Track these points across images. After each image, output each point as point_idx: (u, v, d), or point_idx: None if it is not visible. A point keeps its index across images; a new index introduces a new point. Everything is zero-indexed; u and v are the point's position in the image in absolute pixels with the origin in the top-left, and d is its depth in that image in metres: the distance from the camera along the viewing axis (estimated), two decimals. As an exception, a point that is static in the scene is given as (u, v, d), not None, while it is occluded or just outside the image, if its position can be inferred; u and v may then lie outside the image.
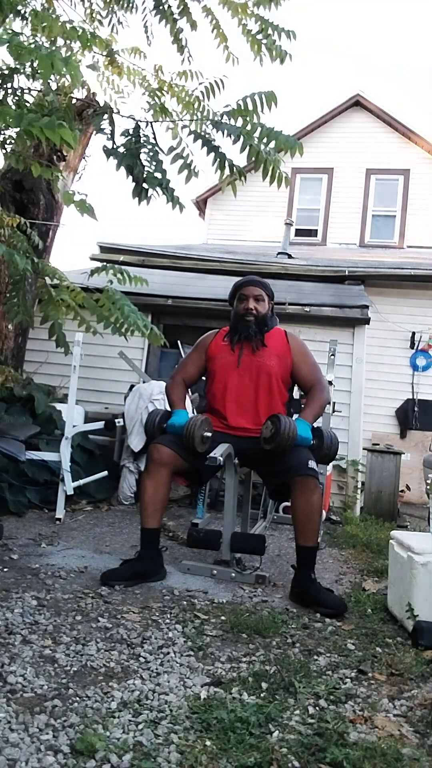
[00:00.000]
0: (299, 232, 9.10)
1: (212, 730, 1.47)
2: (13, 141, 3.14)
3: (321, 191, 9.40)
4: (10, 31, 2.24)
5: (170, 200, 2.92)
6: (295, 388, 3.03)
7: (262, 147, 2.76)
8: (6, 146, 3.23)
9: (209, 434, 2.67)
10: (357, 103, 9.36)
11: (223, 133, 2.82)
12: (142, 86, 3.57)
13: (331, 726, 1.52)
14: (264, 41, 3.32)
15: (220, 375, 2.87)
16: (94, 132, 2.95)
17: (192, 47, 3.69)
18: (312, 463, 2.59)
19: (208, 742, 1.41)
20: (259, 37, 3.34)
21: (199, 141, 2.86)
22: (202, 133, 2.86)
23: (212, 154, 2.86)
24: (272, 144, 2.76)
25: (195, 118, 3.00)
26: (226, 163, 2.87)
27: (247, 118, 2.75)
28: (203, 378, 3.04)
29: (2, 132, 3.02)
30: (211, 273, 6.43)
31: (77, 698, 1.59)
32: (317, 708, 1.64)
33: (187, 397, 3.02)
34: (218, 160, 2.86)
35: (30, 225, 3.87)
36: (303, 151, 2.80)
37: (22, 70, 2.74)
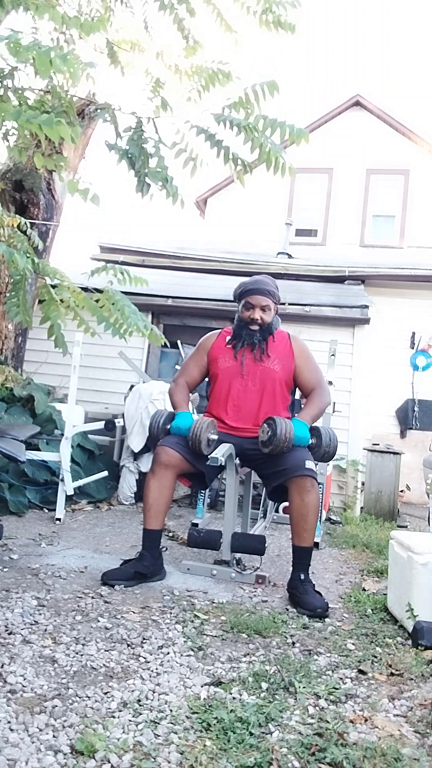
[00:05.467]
0: (299, 232, 9.10)
1: (212, 730, 1.47)
2: (15, 133, 3.14)
3: (321, 191, 9.40)
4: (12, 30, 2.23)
5: (171, 195, 2.91)
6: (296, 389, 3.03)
7: (265, 139, 2.75)
8: (8, 138, 3.22)
9: (215, 437, 2.67)
10: (357, 103, 9.36)
11: (225, 125, 2.81)
12: (147, 74, 3.57)
13: (331, 726, 1.52)
14: (270, 18, 3.35)
15: (223, 379, 2.86)
16: (102, 122, 2.93)
17: (197, 36, 3.72)
18: (310, 464, 2.59)
19: (208, 742, 1.41)
20: (264, 16, 3.38)
21: (202, 135, 2.85)
22: (205, 128, 2.85)
23: (215, 148, 2.85)
24: (276, 134, 2.74)
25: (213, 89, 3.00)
26: (231, 156, 2.87)
27: (249, 110, 2.75)
28: (206, 380, 3.04)
29: (3, 125, 3.02)
30: (211, 273, 6.43)
31: (77, 698, 1.59)
32: (317, 708, 1.64)
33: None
34: (222, 152, 2.86)
35: (30, 225, 3.87)
36: (309, 139, 2.78)
37: (21, 69, 2.74)
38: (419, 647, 2.08)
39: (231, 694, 1.67)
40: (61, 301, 3.71)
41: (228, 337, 2.95)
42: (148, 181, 2.90)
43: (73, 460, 3.84)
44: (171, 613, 2.26)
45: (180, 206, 2.96)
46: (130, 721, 1.50)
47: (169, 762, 1.34)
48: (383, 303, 6.38)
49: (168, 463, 2.62)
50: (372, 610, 2.50)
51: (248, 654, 1.97)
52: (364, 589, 2.77)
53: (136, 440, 4.28)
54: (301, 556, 2.60)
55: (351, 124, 9.37)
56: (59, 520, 3.57)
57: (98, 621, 2.12)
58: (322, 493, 3.79)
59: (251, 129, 2.73)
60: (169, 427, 2.74)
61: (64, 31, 2.98)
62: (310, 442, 2.69)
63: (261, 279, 2.95)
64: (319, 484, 3.76)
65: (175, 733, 1.45)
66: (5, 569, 2.59)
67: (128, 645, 1.95)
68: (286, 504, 4.04)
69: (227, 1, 3.60)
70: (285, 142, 2.90)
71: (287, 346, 2.92)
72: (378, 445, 5.24)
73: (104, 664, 1.80)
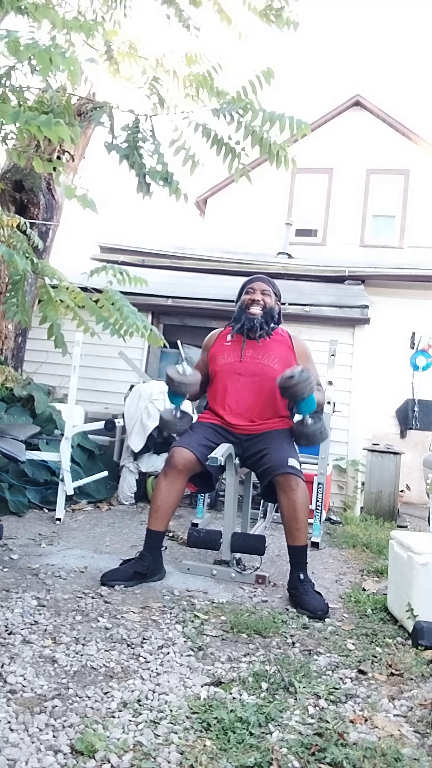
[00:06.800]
0: (299, 232, 9.10)
1: (212, 730, 1.47)
2: (14, 137, 3.14)
3: (321, 191, 9.40)
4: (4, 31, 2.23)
5: (173, 192, 2.90)
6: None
7: (265, 134, 2.74)
8: (7, 142, 3.22)
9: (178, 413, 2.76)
10: (357, 103, 9.36)
11: (224, 117, 2.79)
12: (145, 74, 3.58)
13: (331, 726, 1.52)
14: (272, 15, 3.36)
15: (222, 377, 2.86)
16: (95, 125, 2.94)
17: (199, 32, 3.74)
18: (292, 461, 2.59)
19: (208, 742, 1.41)
20: (266, 11, 3.39)
21: (200, 132, 2.84)
22: (203, 125, 2.84)
23: (214, 146, 2.85)
24: (276, 127, 2.73)
25: (206, 96, 3.00)
26: (226, 148, 2.86)
27: (247, 105, 2.74)
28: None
29: (2, 128, 3.02)
30: (211, 273, 6.43)
31: (77, 698, 1.59)
32: (317, 708, 1.64)
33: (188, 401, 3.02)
34: (215, 147, 2.85)
35: (30, 225, 3.87)
36: (309, 131, 2.78)
37: (19, 68, 2.74)
38: (419, 647, 2.08)
39: (231, 694, 1.67)
40: (61, 301, 3.71)
41: (229, 336, 2.96)
42: (147, 181, 2.89)
43: (73, 460, 3.83)
44: (171, 613, 2.26)
45: (184, 201, 2.94)
46: (130, 721, 1.49)
47: (169, 762, 1.34)
48: (383, 303, 6.39)
49: (182, 467, 2.60)
50: (372, 610, 2.50)
51: (248, 654, 1.97)
52: (364, 589, 2.77)
53: (136, 440, 4.28)
54: (297, 556, 2.60)
55: (351, 124, 9.37)
56: (59, 520, 3.56)
57: (98, 621, 2.12)
58: (322, 493, 3.79)
59: (248, 124, 2.72)
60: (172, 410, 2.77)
61: (64, 33, 2.98)
62: (310, 417, 2.67)
63: (260, 275, 3.12)
64: (319, 484, 3.79)
65: (175, 733, 1.45)
66: (5, 569, 2.59)
67: (128, 645, 1.95)
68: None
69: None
70: (287, 140, 2.90)
71: (288, 346, 2.92)
72: (378, 445, 5.24)
73: (104, 664, 1.80)
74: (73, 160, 4.77)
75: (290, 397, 2.64)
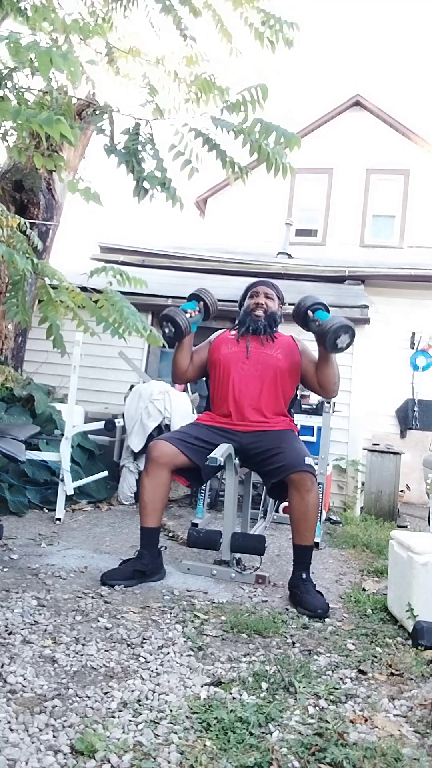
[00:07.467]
0: (299, 232, 9.10)
1: (212, 730, 1.47)
2: (14, 133, 3.14)
3: (321, 191, 9.40)
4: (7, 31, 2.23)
5: (170, 198, 2.91)
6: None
7: (264, 142, 2.75)
8: (7, 139, 3.22)
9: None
10: (357, 103, 9.37)
11: (222, 130, 2.80)
12: (144, 78, 3.58)
13: (331, 726, 1.52)
14: (267, 33, 3.36)
15: (225, 365, 2.88)
16: (95, 132, 2.94)
17: (197, 40, 3.75)
18: (309, 460, 2.60)
19: (208, 742, 1.41)
20: (262, 29, 3.38)
21: (200, 138, 2.84)
22: (202, 131, 2.84)
23: (213, 152, 2.85)
24: (272, 136, 2.74)
25: (208, 100, 3.01)
26: (227, 160, 2.86)
27: (247, 113, 2.74)
28: (204, 377, 3.04)
29: (2, 125, 3.02)
30: (211, 273, 6.43)
31: (77, 698, 1.59)
32: (317, 708, 1.64)
33: (187, 396, 3.03)
34: (219, 156, 2.85)
35: (30, 225, 3.87)
36: (300, 145, 2.80)
37: (21, 68, 2.73)
38: (419, 647, 2.08)
39: (231, 694, 1.67)
40: (61, 301, 3.71)
41: (233, 332, 3.00)
42: (145, 186, 2.89)
43: (73, 460, 3.83)
44: (171, 613, 2.26)
45: (179, 208, 2.96)
46: (130, 721, 1.49)
47: (169, 762, 1.34)
48: (383, 303, 6.39)
49: (160, 459, 2.62)
50: (372, 610, 2.50)
51: (248, 654, 1.97)
52: (364, 589, 2.77)
53: (136, 440, 4.28)
54: (302, 555, 2.60)
55: (351, 124, 9.37)
56: (59, 520, 3.57)
57: (98, 621, 2.12)
58: (322, 493, 3.79)
59: (248, 131, 2.72)
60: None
61: (65, 36, 2.98)
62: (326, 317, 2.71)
63: (263, 279, 3.20)
64: (319, 484, 3.79)
65: (175, 733, 1.45)
66: (5, 569, 2.59)
67: (128, 645, 1.95)
68: (286, 504, 4.05)
69: (227, 10, 3.61)
70: (282, 144, 2.90)
71: (291, 343, 2.96)
72: (378, 445, 5.24)
73: (104, 664, 1.80)
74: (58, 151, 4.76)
75: (303, 308, 2.72)
